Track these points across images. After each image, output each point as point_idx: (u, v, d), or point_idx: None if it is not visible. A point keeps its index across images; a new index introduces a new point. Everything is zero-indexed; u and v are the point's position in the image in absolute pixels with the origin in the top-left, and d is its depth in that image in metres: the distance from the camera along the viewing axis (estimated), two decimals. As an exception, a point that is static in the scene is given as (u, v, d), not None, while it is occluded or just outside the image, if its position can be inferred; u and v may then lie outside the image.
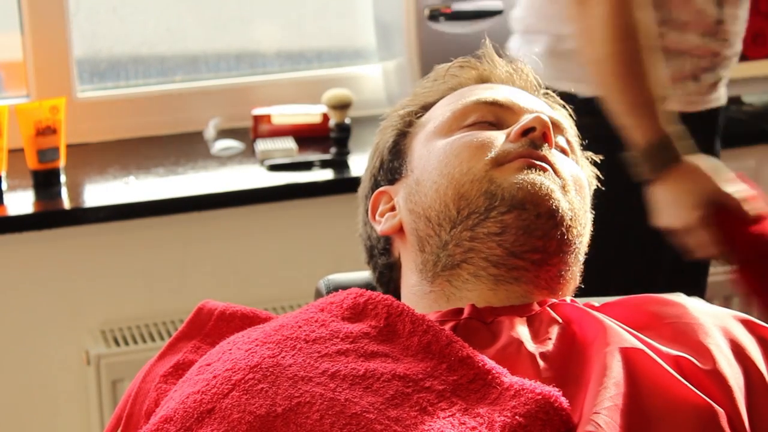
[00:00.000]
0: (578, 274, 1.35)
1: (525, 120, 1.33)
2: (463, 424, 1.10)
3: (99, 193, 2.50)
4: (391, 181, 1.41)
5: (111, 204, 2.45)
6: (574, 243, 1.30)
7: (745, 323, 1.23)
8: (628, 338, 1.17)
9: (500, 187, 1.28)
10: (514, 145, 1.32)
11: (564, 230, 1.28)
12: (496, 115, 1.38)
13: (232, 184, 2.50)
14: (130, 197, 2.47)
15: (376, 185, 1.43)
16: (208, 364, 1.22)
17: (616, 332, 1.18)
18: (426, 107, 1.44)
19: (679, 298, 1.26)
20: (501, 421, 1.09)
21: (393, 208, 1.38)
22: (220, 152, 2.64)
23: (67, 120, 2.48)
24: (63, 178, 2.47)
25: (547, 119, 1.33)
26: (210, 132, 2.70)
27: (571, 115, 1.48)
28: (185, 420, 1.14)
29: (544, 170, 1.30)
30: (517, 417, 1.09)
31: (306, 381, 1.13)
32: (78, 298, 2.50)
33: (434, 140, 1.37)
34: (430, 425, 1.10)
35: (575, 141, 1.43)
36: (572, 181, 1.33)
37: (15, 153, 2.47)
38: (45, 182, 2.46)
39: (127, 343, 2.48)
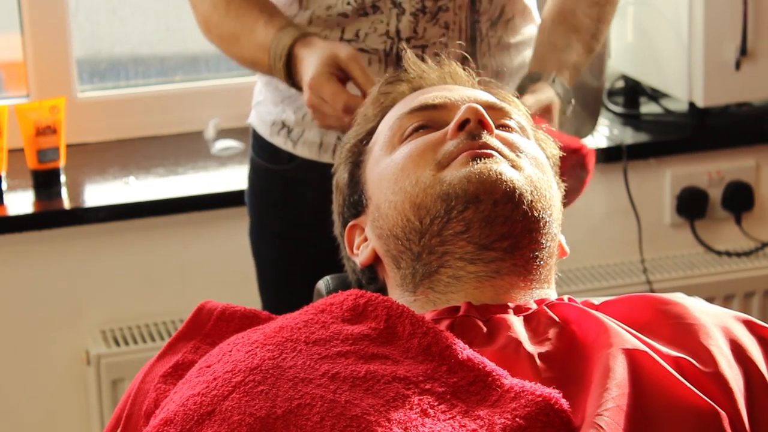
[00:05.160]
0: (556, 254, 1.35)
1: (458, 114, 1.34)
2: (464, 426, 1.10)
3: (99, 193, 2.50)
4: (357, 214, 1.42)
5: (111, 204, 2.45)
6: (542, 218, 1.30)
7: (746, 323, 1.23)
8: (630, 339, 1.17)
9: (451, 186, 1.29)
10: (454, 142, 1.33)
11: (527, 208, 1.29)
12: (432, 118, 1.38)
13: (232, 184, 2.50)
14: (130, 197, 2.47)
15: (345, 222, 1.44)
16: (208, 366, 1.22)
17: (617, 333, 1.17)
18: (371, 132, 1.45)
19: (679, 297, 1.26)
20: (501, 423, 1.09)
21: (366, 239, 1.39)
22: (220, 152, 2.64)
23: (67, 120, 2.48)
24: (63, 178, 2.48)
25: (478, 106, 1.34)
26: (210, 132, 2.70)
27: (518, 96, 1.48)
28: (185, 422, 1.14)
29: (489, 156, 1.30)
30: (517, 419, 1.09)
31: (306, 383, 1.13)
32: (78, 298, 2.50)
33: (381, 161, 1.38)
34: (431, 427, 1.09)
35: (525, 120, 1.44)
36: (525, 156, 1.34)
37: (15, 153, 2.47)
38: (45, 182, 2.46)
39: (127, 343, 2.48)
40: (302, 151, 1.87)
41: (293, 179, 1.90)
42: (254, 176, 2.00)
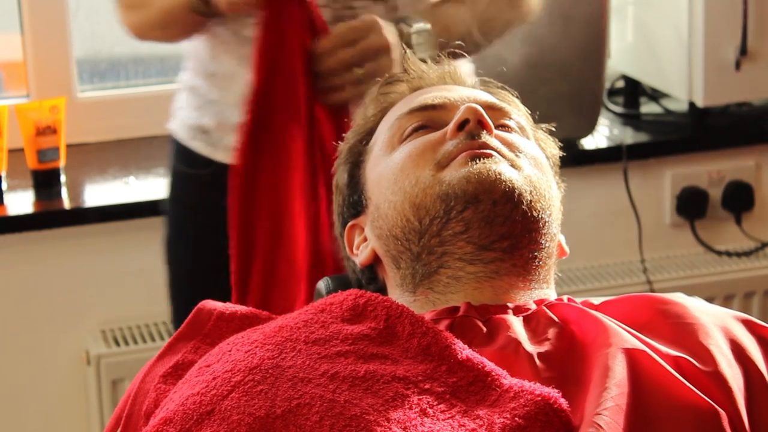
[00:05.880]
0: (555, 254, 1.35)
1: (457, 115, 1.34)
2: (463, 426, 1.10)
3: (99, 193, 2.50)
4: (357, 214, 1.42)
5: (111, 204, 2.45)
6: (541, 218, 1.30)
7: (746, 323, 1.23)
8: (629, 338, 1.17)
9: (450, 186, 1.29)
10: (454, 142, 1.33)
11: (526, 208, 1.29)
12: (431, 119, 1.38)
13: (232, 184, 2.49)
14: (130, 197, 2.47)
15: (344, 222, 1.44)
16: (208, 365, 1.22)
17: (616, 332, 1.17)
18: (371, 132, 1.45)
19: (679, 297, 1.26)
20: (500, 422, 1.09)
21: (366, 239, 1.39)
22: (220, 152, 2.64)
23: (67, 120, 2.48)
24: (63, 178, 2.48)
25: (477, 106, 1.34)
26: (210, 132, 2.70)
27: (517, 97, 1.48)
28: (185, 421, 1.14)
29: (488, 156, 1.30)
30: (516, 419, 1.09)
31: (306, 382, 1.13)
32: (78, 298, 2.50)
33: (380, 161, 1.38)
34: (430, 427, 1.10)
35: (525, 120, 1.44)
36: (525, 156, 1.34)
37: (15, 153, 2.47)
38: (45, 182, 2.46)
39: (127, 343, 2.48)
40: (223, 156, 1.84)
41: (209, 184, 1.88)
42: (173, 182, 1.99)
